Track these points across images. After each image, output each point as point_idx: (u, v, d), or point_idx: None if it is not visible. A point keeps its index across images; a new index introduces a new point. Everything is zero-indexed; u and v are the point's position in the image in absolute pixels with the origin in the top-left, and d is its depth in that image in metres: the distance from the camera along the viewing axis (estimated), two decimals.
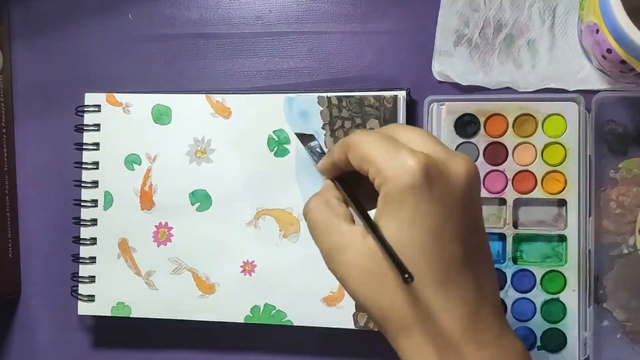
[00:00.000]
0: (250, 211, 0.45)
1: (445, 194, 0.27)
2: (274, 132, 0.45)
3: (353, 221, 0.30)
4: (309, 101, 0.45)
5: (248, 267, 0.45)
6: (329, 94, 0.44)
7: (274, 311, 0.45)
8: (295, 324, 0.44)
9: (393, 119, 0.43)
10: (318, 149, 0.38)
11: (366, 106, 0.44)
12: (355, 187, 0.31)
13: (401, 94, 0.44)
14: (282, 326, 0.45)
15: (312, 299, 0.44)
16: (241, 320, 0.45)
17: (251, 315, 0.45)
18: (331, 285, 0.44)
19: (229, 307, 0.45)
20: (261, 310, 0.45)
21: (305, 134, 0.41)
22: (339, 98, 0.44)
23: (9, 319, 0.51)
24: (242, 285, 0.45)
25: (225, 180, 0.46)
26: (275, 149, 0.45)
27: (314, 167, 0.35)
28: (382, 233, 0.27)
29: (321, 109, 0.44)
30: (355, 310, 0.44)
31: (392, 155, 0.27)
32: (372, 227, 0.28)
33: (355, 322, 0.44)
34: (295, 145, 0.45)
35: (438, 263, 0.27)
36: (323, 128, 0.44)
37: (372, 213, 0.29)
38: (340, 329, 0.44)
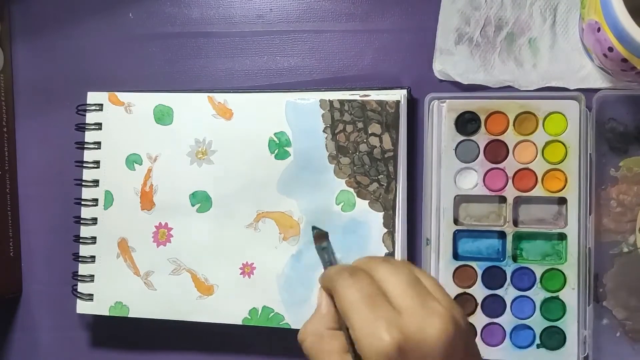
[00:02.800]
0: (250, 213, 0.45)
1: None
2: (275, 134, 0.45)
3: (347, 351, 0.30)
4: (311, 104, 0.45)
5: (247, 269, 0.45)
6: (331, 98, 0.44)
7: (271, 314, 0.45)
8: (292, 327, 0.45)
9: (395, 123, 0.43)
10: (326, 255, 0.37)
11: (368, 110, 0.44)
12: None
13: (402, 93, 0.44)
14: (279, 329, 0.45)
15: (310, 302, 0.44)
16: (239, 322, 0.45)
17: (249, 317, 0.45)
18: None
19: (227, 308, 0.45)
20: (259, 313, 0.45)
21: (322, 231, 0.39)
22: (341, 102, 0.44)
23: (11, 318, 0.51)
24: (240, 287, 0.45)
25: (226, 181, 0.46)
26: (276, 152, 0.45)
27: (321, 265, 0.35)
28: None
29: (323, 112, 0.44)
30: None
31: (370, 324, 0.27)
32: None
33: None
34: (295, 147, 0.45)
35: None
36: (324, 131, 0.44)
37: None
38: None
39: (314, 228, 0.40)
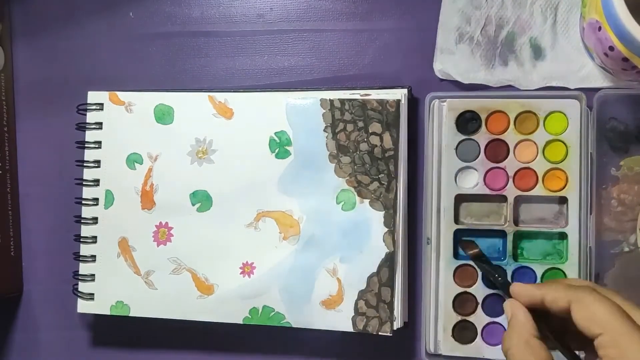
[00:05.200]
0: (250, 213, 0.45)
1: None
2: (276, 133, 0.45)
3: None
4: (311, 104, 0.45)
5: (247, 269, 0.45)
6: (332, 97, 0.44)
7: (272, 313, 0.45)
8: (293, 326, 0.45)
9: (395, 122, 0.43)
10: (486, 265, 0.40)
11: (369, 109, 0.44)
12: (543, 323, 0.33)
13: (402, 92, 0.44)
14: (280, 328, 0.45)
15: (311, 301, 0.44)
16: (240, 322, 0.45)
17: (250, 316, 0.45)
18: (330, 288, 0.44)
19: (228, 308, 0.45)
20: (260, 312, 0.45)
21: (469, 241, 0.42)
22: (342, 101, 0.44)
23: (11, 317, 0.51)
24: (241, 286, 0.45)
25: (226, 181, 0.46)
26: (276, 151, 0.45)
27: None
28: None
29: (323, 111, 0.44)
30: (353, 314, 0.44)
31: (636, 337, 0.28)
32: None
33: (354, 325, 0.44)
34: (296, 147, 0.45)
35: None
36: (325, 131, 0.44)
37: None
38: (338, 332, 0.44)
39: (460, 241, 0.42)
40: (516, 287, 0.35)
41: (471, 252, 0.42)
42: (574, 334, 0.32)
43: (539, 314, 0.34)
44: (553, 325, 0.34)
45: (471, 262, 0.44)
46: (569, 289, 0.32)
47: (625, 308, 0.31)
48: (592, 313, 0.30)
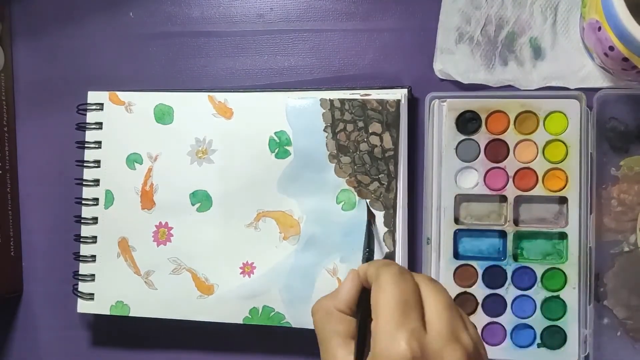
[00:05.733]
0: (250, 213, 0.45)
1: None
2: (276, 133, 0.45)
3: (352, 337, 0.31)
4: (311, 103, 0.45)
5: (247, 269, 0.45)
6: (332, 97, 0.44)
7: (272, 313, 0.45)
8: (293, 326, 0.45)
9: (395, 122, 0.43)
10: (369, 237, 0.40)
11: (369, 109, 0.44)
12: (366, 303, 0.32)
13: (402, 92, 0.44)
14: (280, 328, 0.45)
15: (311, 301, 0.44)
16: (240, 322, 0.45)
17: (250, 316, 0.45)
18: (330, 288, 0.43)
19: (228, 308, 0.45)
20: (260, 312, 0.45)
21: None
22: (342, 101, 0.44)
23: (11, 317, 0.51)
24: (241, 286, 0.45)
25: (226, 181, 0.46)
26: (276, 151, 0.45)
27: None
28: None
29: (323, 111, 0.44)
30: None
31: (396, 327, 0.28)
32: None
33: None
34: (296, 146, 0.45)
35: None
36: (325, 130, 0.44)
37: None
38: None
39: (369, 206, 0.42)
40: (359, 267, 0.33)
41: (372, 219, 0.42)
42: None
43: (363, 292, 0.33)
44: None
45: (471, 262, 0.44)
46: (380, 266, 0.31)
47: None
48: (375, 295, 0.29)
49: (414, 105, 0.45)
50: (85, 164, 0.48)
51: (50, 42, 0.51)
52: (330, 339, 0.31)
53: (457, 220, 0.44)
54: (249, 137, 0.45)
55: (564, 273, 0.43)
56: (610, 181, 0.43)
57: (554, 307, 0.43)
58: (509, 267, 0.43)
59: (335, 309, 0.32)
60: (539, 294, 0.43)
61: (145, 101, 0.47)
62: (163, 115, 0.47)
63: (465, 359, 0.28)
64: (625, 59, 0.37)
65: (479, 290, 0.43)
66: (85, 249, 0.47)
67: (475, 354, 0.28)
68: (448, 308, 0.29)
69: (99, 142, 0.48)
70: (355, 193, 0.44)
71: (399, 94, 0.44)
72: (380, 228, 0.43)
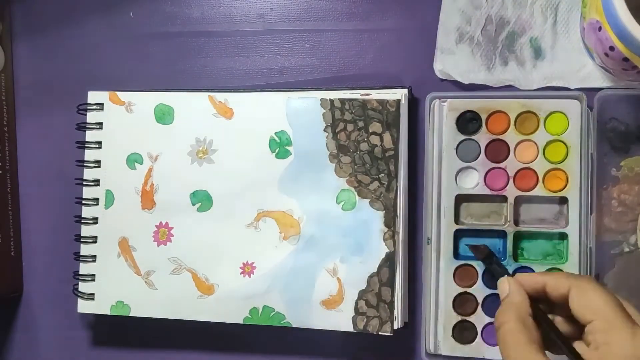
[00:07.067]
0: (250, 213, 0.45)
1: None
2: (276, 133, 0.45)
3: (544, 353, 0.31)
4: (312, 104, 0.45)
5: (247, 269, 0.45)
6: (332, 97, 0.44)
7: (272, 313, 0.45)
8: (293, 326, 0.44)
9: (396, 122, 0.43)
10: (497, 265, 0.40)
11: (369, 109, 0.44)
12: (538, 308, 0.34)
13: (403, 92, 0.44)
14: (280, 328, 0.45)
15: (311, 301, 0.44)
16: (240, 322, 0.45)
17: (250, 316, 0.45)
18: (330, 288, 0.44)
19: (228, 308, 0.45)
20: (260, 312, 0.45)
21: (479, 246, 0.41)
22: (342, 101, 0.44)
23: (11, 317, 0.51)
24: (241, 286, 0.45)
25: (227, 181, 0.45)
26: (276, 151, 0.45)
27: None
28: None
29: (324, 111, 0.44)
30: (354, 314, 0.44)
31: (627, 327, 0.29)
32: None
33: (354, 325, 0.44)
34: (296, 146, 0.45)
35: None
36: (325, 130, 0.44)
37: None
38: (338, 331, 0.44)
39: (470, 247, 0.42)
40: (520, 275, 0.36)
41: (482, 256, 0.41)
42: (562, 324, 0.34)
43: (533, 301, 0.35)
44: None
45: (471, 262, 0.43)
46: (570, 276, 0.33)
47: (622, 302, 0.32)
48: (589, 299, 0.31)
49: (414, 105, 0.45)
50: (85, 164, 0.48)
51: (50, 42, 0.51)
52: (528, 349, 0.31)
53: (457, 221, 0.44)
54: (250, 137, 0.45)
55: None
56: (611, 181, 0.43)
57: None
58: (509, 267, 0.43)
59: (528, 315, 0.33)
60: None
61: (146, 101, 0.47)
62: (163, 115, 0.47)
63: None
64: (626, 59, 0.37)
65: (479, 290, 0.43)
66: (85, 249, 0.47)
67: None
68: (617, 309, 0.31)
69: (99, 142, 0.48)
70: (356, 193, 0.44)
71: (399, 94, 0.44)
72: (381, 228, 0.43)
